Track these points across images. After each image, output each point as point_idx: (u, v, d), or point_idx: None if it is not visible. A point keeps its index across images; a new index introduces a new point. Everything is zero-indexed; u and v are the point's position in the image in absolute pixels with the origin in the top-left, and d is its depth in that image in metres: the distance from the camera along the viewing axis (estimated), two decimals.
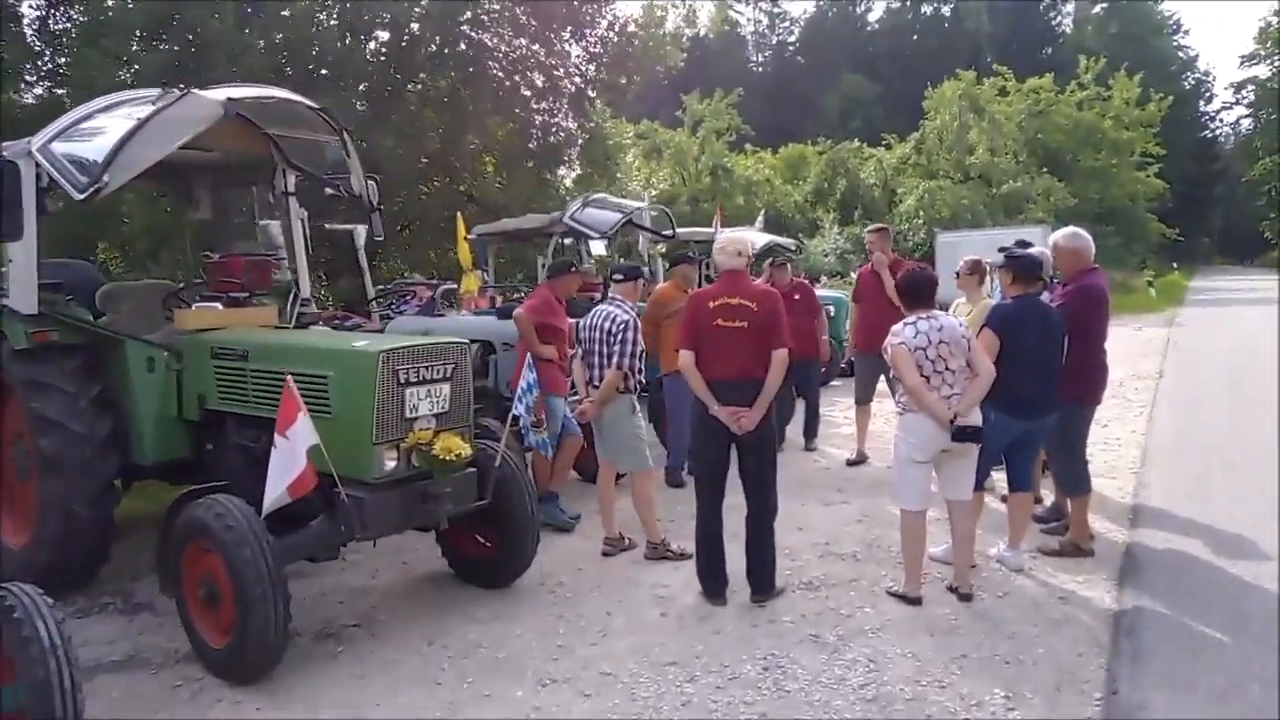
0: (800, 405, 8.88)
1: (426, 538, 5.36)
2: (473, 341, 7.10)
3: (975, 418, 4.67)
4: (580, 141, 17.43)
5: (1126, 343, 17.13)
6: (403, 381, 4.21)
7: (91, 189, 4.42)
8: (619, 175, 18.85)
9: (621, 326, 5.42)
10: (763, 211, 16.85)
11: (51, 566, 5.01)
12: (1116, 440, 8.72)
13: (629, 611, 4.78)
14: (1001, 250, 5.41)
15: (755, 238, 14.21)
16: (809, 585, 5.09)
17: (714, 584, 4.88)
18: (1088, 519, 5.66)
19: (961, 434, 4.56)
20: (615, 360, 5.38)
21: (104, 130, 4.74)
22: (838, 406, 10.43)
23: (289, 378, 3.89)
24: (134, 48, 12.77)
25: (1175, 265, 41.86)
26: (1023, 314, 5.03)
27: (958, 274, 6.84)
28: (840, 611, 4.71)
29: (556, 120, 16.81)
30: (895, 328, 4.70)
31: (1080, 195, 31.19)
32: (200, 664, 4.18)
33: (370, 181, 6.15)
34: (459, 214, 10.30)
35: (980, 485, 5.22)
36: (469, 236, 9.60)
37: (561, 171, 17.89)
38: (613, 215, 8.91)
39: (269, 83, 12.04)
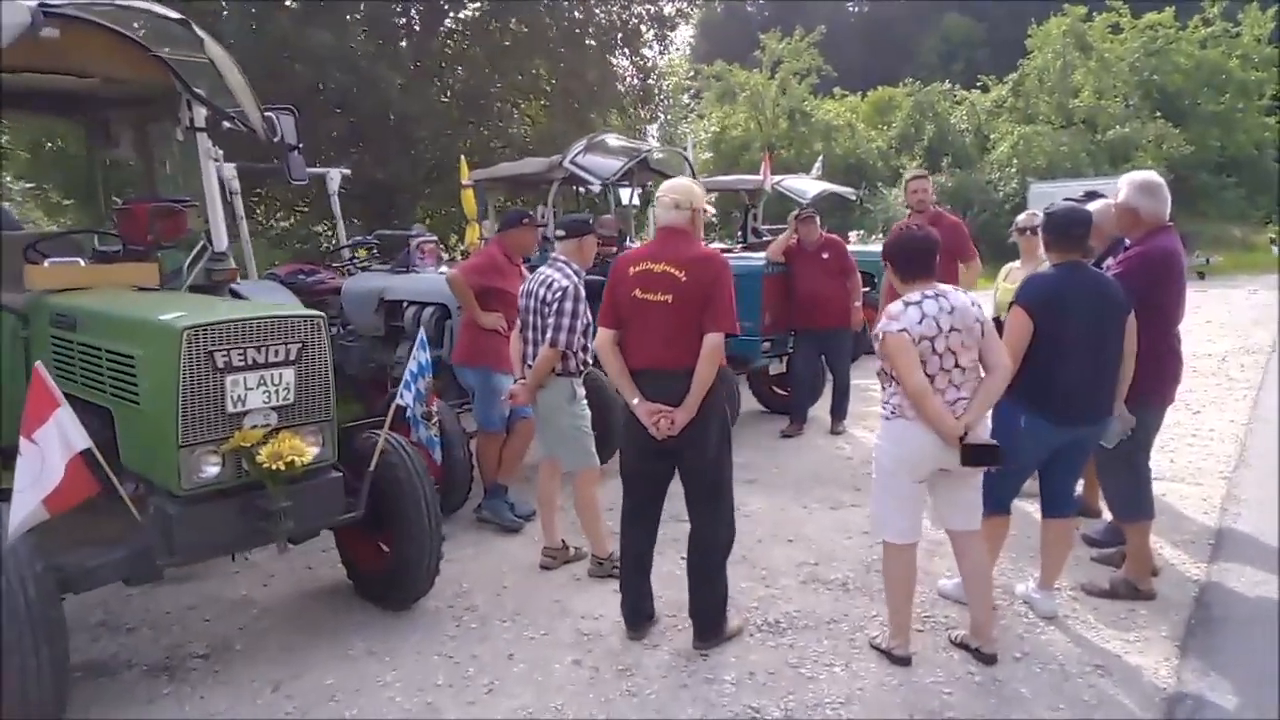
0: (829, 381, 7.79)
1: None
2: (426, 305, 6.23)
3: (985, 431, 3.52)
4: (634, 80, 16.22)
5: (1239, 307, 15.21)
6: (221, 366, 3.28)
7: None
8: (665, 116, 17.54)
9: (558, 295, 4.39)
10: (820, 158, 15.34)
11: None
12: (1210, 432, 7.29)
13: (537, 655, 3.83)
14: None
15: (810, 186, 12.93)
16: (773, 627, 4.03)
17: (637, 621, 3.92)
18: (1151, 547, 4.44)
19: (973, 456, 3.41)
20: (549, 335, 4.37)
21: None
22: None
23: (38, 365, 3.01)
24: None
25: None
26: (1067, 287, 3.80)
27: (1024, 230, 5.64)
28: (801, 670, 3.65)
29: (608, 57, 15.65)
30: (893, 308, 3.53)
31: (1198, 143, 28.25)
32: None
33: (286, 115, 5.23)
34: (462, 158, 9.32)
35: (1005, 507, 4.07)
36: (466, 183, 8.65)
37: (612, 114, 16.73)
38: (619, 159, 7.82)
39: (258, 14, 11.32)
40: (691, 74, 26.91)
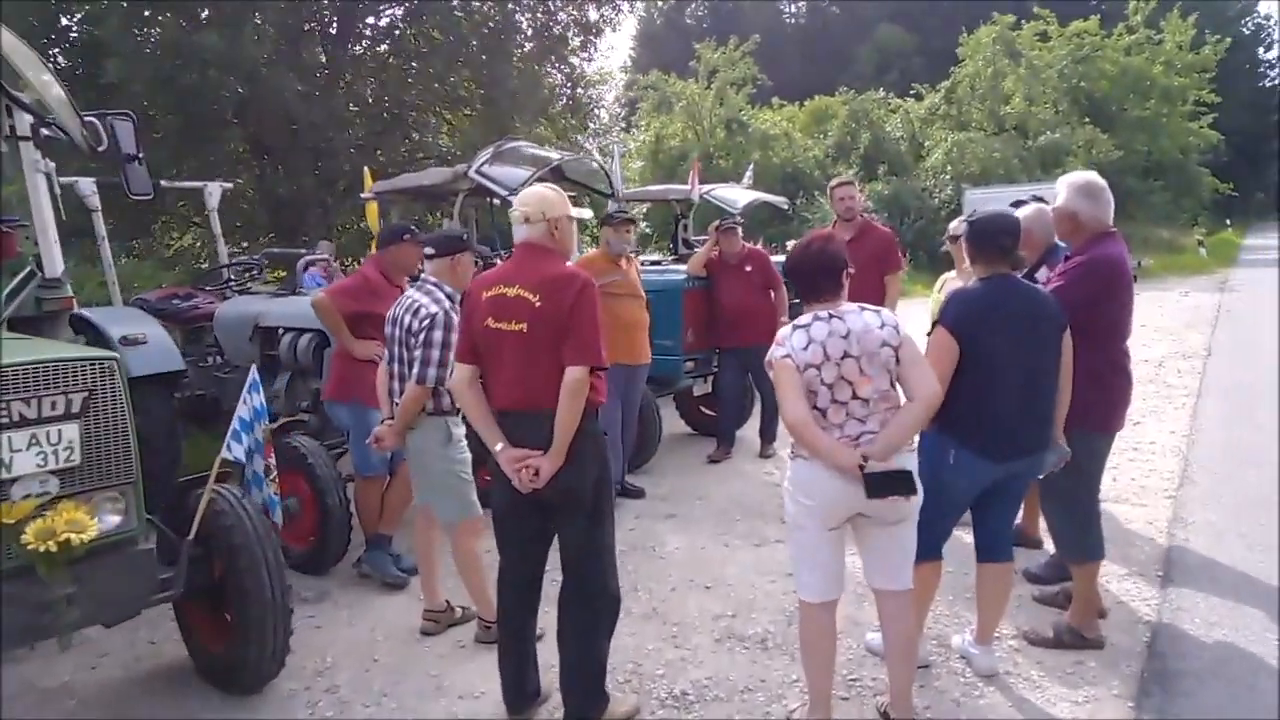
0: (758, 402, 7.34)
1: None
2: (304, 331, 5.62)
3: (910, 458, 3.04)
4: (563, 89, 15.73)
5: (1171, 310, 15.20)
6: None
7: None
8: (590, 126, 17.08)
9: (426, 323, 3.82)
10: (750, 166, 14.97)
11: None
12: (1151, 445, 6.99)
13: None
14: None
15: (741, 195, 12.49)
16: (679, 700, 3.50)
17: (519, 702, 3.37)
18: (1098, 588, 4.01)
19: (880, 485, 2.91)
20: (415, 370, 3.81)
21: None
22: None
23: None
24: None
25: (1228, 222, 39.10)
26: (994, 303, 3.35)
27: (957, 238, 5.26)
28: None
29: (534, 65, 15.13)
30: (781, 332, 3.07)
31: (1126, 147, 28.76)
32: None
33: (123, 122, 4.61)
34: (366, 169, 8.70)
35: (936, 552, 3.60)
36: (367, 195, 8.02)
37: (541, 123, 16.17)
38: (531, 168, 7.26)
39: (145, 18, 10.54)
40: (624, 83, 26.57)
